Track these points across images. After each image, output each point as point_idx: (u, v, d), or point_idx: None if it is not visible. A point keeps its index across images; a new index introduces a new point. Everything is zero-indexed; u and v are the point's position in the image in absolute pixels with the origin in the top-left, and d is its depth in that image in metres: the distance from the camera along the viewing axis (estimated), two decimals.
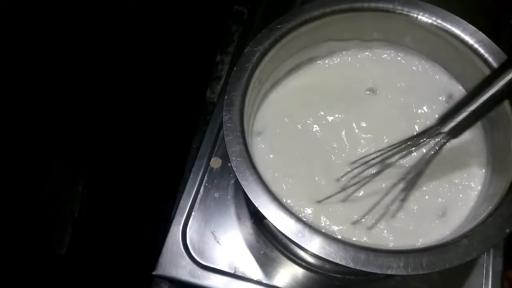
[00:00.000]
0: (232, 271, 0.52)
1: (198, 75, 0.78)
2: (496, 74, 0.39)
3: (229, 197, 0.56)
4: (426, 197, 0.46)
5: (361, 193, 0.46)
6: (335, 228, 0.44)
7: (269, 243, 0.54)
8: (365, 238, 0.44)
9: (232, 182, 0.57)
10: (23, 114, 0.46)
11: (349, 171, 0.45)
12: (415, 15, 0.48)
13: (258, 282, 0.52)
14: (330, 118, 0.50)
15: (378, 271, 0.36)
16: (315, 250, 0.37)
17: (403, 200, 0.45)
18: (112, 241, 0.59)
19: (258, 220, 0.55)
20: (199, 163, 0.58)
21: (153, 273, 0.53)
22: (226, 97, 0.44)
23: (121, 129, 0.60)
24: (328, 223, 0.44)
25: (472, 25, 0.46)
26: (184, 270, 0.52)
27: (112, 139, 0.58)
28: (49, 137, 0.49)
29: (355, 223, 0.44)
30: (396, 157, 0.44)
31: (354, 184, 0.44)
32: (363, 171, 0.44)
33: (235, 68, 0.45)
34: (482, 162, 0.47)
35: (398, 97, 0.51)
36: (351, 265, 0.36)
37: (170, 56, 0.69)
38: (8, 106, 0.44)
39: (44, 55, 0.47)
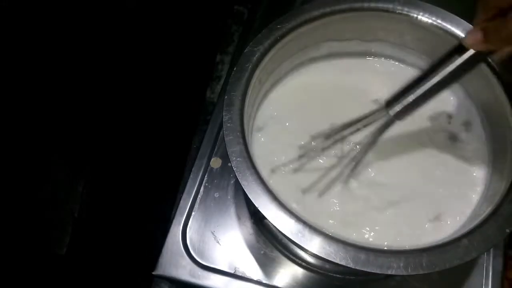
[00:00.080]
0: (232, 271, 0.52)
1: (198, 75, 0.78)
2: (442, 61, 0.39)
3: (229, 197, 0.56)
4: (421, 200, 0.46)
5: (313, 164, 0.48)
6: (288, 195, 0.46)
7: (269, 243, 0.54)
8: (315, 206, 0.46)
9: (232, 182, 0.57)
10: (23, 114, 0.46)
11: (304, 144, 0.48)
12: (415, 15, 0.48)
13: (258, 282, 0.52)
14: (331, 115, 0.51)
15: (378, 271, 0.36)
16: (315, 250, 0.37)
17: (349, 175, 0.47)
18: (112, 241, 0.59)
19: (258, 220, 0.55)
20: (199, 163, 0.58)
21: (153, 273, 0.53)
22: (226, 97, 0.44)
23: (121, 129, 0.60)
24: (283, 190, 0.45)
25: (472, 25, 0.46)
26: (184, 270, 0.52)
27: (112, 139, 0.58)
28: (49, 137, 0.49)
29: (304, 191, 0.47)
30: (346, 133, 0.46)
31: (308, 156, 0.48)
32: (318, 144, 0.48)
33: (235, 68, 0.45)
34: (482, 164, 0.48)
35: None
36: (351, 265, 0.36)
37: (170, 56, 0.69)
38: (8, 106, 0.44)
39: (44, 55, 0.47)
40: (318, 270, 0.52)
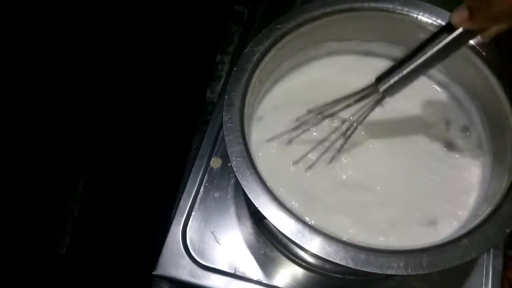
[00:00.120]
0: (232, 271, 0.52)
1: (198, 75, 0.78)
2: (431, 39, 0.40)
3: (229, 197, 0.56)
4: (413, 205, 0.46)
5: (304, 137, 0.49)
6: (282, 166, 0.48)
7: (269, 243, 0.54)
8: (308, 174, 0.48)
9: (232, 182, 0.57)
10: (23, 114, 0.46)
11: (301, 117, 0.49)
12: (415, 15, 0.48)
13: (258, 282, 0.52)
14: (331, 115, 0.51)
15: (378, 271, 0.36)
16: (315, 250, 0.37)
17: (339, 149, 0.48)
18: (112, 241, 0.59)
19: (258, 220, 0.55)
20: (199, 163, 0.58)
21: (153, 273, 0.53)
22: (226, 97, 0.44)
23: (121, 129, 0.60)
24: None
25: None
26: (184, 270, 0.52)
27: (112, 139, 0.58)
28: (49, 137, 0.49)
29: (296, 162, 0.48)
30: (337, 108, 0.47)
31: (301, 128, 0.49)
32: (310, 119, 0.49)
33: (235, 68, 0.45)
34: (478, 169, 0.48)
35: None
36: (351, 265, 0.36)
37: (170, 56, 0.69)
38: (8, 106, 0.44)
39: (44, 55, 0.47)
40: (318, 270, 0.52)
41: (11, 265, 0.46)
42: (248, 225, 0.55)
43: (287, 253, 0.53)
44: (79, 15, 0.50)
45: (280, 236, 0.53)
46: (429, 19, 0.48)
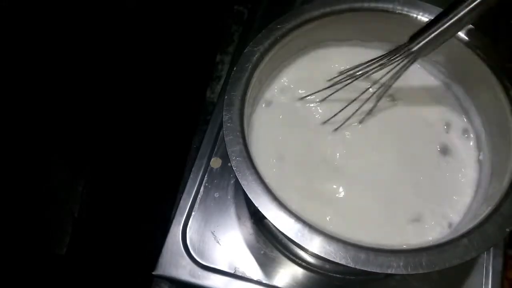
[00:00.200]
0: (232, 271, 0.52)
1: (198, 75, 0.78)
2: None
3: (229, 197, 0.57)
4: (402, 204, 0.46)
5: (336, 98, 0.49)
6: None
7: (269, 243, 0.54)
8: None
9: (232, 182, 0.57)
10: (23, 114, 0.46)
11: (335, 77, 0.49)
12: (415, 15, 0.48)
13: (258, 282, 0.52)
14: (331, 115, 0.51)
15: (378, 270, 0.36)
16: (315, 250, 0.37)
17: (371, 110, 0.49)
18: (112, 241, 0.59)
19: (258, 220, 0.55)
20: (199, 163, 0.58)
21: (153, 273, 0.53)
22: (226, 97, 0.44)
23: (121, 129, 0.60)
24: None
25: (472, 25, 0.46)
26: (184, 270, 0.52)
27: (112, 139, 0.58)
28: (49, 137, 0.49)
29: (324, 123, 0.49)
30: (370, 70, 0.47)
31: (333, 88, 0.49)
32: (344, 80, 0.49)
33: (235, 68, 0.45)
34: (472, 173, 0.48)
35: (398, 95, 0.52)
36: (351, 264, 0.36)
37: (170, 56, 0.69)
38: (8, 106, 0.44)
39: (44, 55, 0.47)
40: (318, 270, 0.52)
41: (11, 265, 0.46)
42: (248, 225, 0.55)
43: (287, 253, 0.53)
44: (79, 15, 0.50)
45: (280, 236, 0.53)
46: (429, 19, 0.48)
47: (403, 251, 0.37)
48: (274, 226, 0.38)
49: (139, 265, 0.58)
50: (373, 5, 0.49)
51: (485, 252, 0.52)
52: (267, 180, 0.41)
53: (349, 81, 0.48)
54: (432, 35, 0.42)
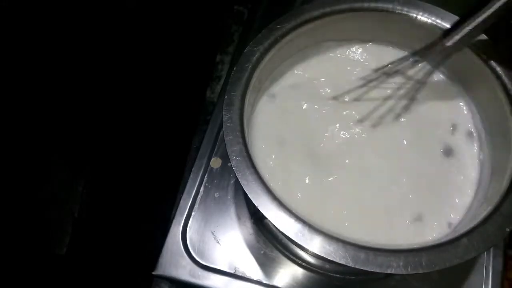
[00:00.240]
0: (232, 271, 0.52)
1: (198, 75, 0.78)
2: None
3: (229, 197, 0.57)
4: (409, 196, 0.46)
5: (368, 96, 0.50)
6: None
7: (269, 243, 0.54)
8: (363, 135, 0.49)
9: (232, 182, 0.57)
10: (23, 114, 0.46)
11: (368, 75, 0.49)
12: (415, 15, 0.48)
13: (258, 282, 0.52)
14: (331, 116, 0.51)
15: (377, 270, 0.36)
16: (315, 250, 0.37)
17: (405, 107, 0.49)
18: (112, 241, 0.60)
19: (258, 220, 0.55)
20: (199, 163, 0.58)
21: (153, 273, 0.53)
22: (226, 97, 0.44)
23: (121, 129, 0.60)
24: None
25: None
26: (184, 270, 0.52)
27: (112, 139, 0.58)
28: (49, 137, 0.49)
29: (359, 121, 0.49)
30: (403, 67, 0.47)
31: (367, 87, 0.49)
32: (376, 78, 0.49)
33: (235, 68, 0.45)
34: (473, 175, 0.48)
35: (398, 95, 0.52)
36: (350, 264, 0.36)
37: (170, 56, 0.69)
38: (8, 106, 0.44)
39: (45, 55, 0.47)
40: (318, 270, 0.52)
41: (11, 265, 0.46)
42: (248, 225, 0.55)
43: (287, 253, 0.53)
44: (79, 15, 0.50)
45: (280, 236, 0.53)
46: (429, 19, 0.48)
47: (403, 251, 0.37)
48: (274, 226, 0.38)
49: (139, 265, 0.58)
50: (373, 5, 0.49)
51: (485, 252, 0.52)
52: (266, 173, 0.41)
53: (380, 79, 0.49)
54: (465, 30, 0.42)
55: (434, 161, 0.48)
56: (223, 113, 0.43)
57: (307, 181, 0.47)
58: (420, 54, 0.45)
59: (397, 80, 0.50)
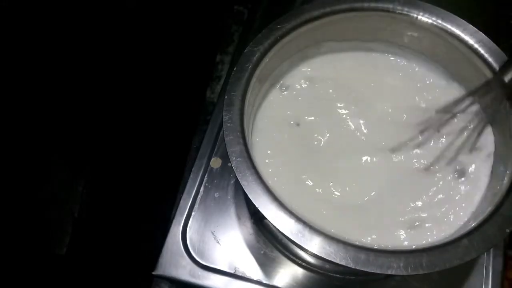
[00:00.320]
0: (232, 271, 0.52)
1: (198, 75, 0.78)
2: None
3: (229, 197, 0.56)
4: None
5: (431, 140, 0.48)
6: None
7: (269, 243, 0.54)
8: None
9: (232, 182, 0.57)
10: (23, 114, 0.46)
11: (424, 120, 0.47)
12: (415, 15, 0.48)
13: (258, 282, 0.52)
14: (331, 117, 0.51)
15: (378, 271, 0.36)
16: (315, 250, 0.37)
17: (471, 149, 0.46)
18: (112, 241, 0.59)
19: (258, 220, 0.55)
20: (199, 163, 0.58)
21: (153, 273, 0.53)
22: (226, 97, 0.44)
23: (121, 129, 0.60)
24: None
25: (472, 25, 0.46)
26: (184, 270, 0.52)
27: (112, 139, 0.58)
28: (49, 137, 0.49)
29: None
30: (461, 108, 0.45)
31: (428, 131, 0.47)
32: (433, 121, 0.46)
33: (235, 68, 0.45)
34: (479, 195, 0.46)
35: (399, 96, 0.52)
36: (351, 265, 0.36)
37: (170, 56, 0.69)
38: (8, 106, 0.44)
39: (44, 55, 0.47)
40: (318, 270, 0.52)
41: (11, 265, 0.46)
42: (248, 225, 0.55)
43: (287, 253, 0.53)
44: (79, 15, 0.50)
45: (280, 236, 0.53)
46: (429, 19, 0.48)
47: (403, 251, 0.37)
48: (274, 226, 0.38)
49: (139, 265, 0.58)
50: (373, 5, 0.49)
51: (485, 253, 0.52)
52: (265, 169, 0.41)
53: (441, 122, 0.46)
54: None
55: (446, 176, 0.47)
56: (223, 113, 0.43)
57: (308, 182, 0.47)
58: (480, 92, 0.43)
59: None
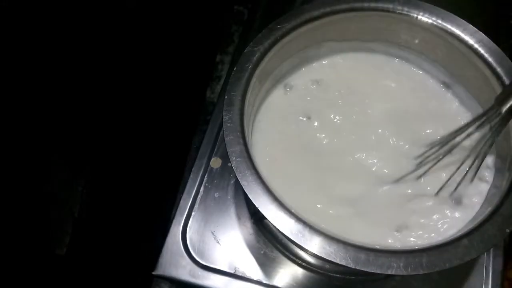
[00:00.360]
0: (232, 271, 0.52)
1: (198, 75, 0.78)
2: None
3: (229, 197, 0.56)
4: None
5: (431, 171, 0.46)
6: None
7: (269, 243, 0.54)
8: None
9: (232, 182, 0.57)
10: (23, 114, 0.46)
11: (425, 152, 0.46)
12: (415, 15, 0.48)
13: (258, 282, 0.52)
14: (331, 117, 0.51)
15: (378, 271, 0.36)
16: (315, 250, 0.37)
17: (472, 179, 0.45)
18: (112, 241, 0.59)
19: (258, 220, 0.55)
20: (199, 163, 0.58)
21: (153, 273, 0.53)
22: (226, 97, 0.44)
23: (121, 129, 0.60)
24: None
25: (472, 25, 0.46)
26: (184, 270, 0.52)
27: (112, 139, 0.58)
28: (49, 137, 0.49)
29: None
30: (458, 140, 0.44)
31: (425, 164, 0.46)
32: (431, 154, 0.46)
33: (235, 68, 0.45)
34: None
35: (399, 97, 0.52)
36: (351, 265, 0.36)
37: (170, 56, 0.69)
38: (8, 106, 0.44)
39: (44, 55, 0.47)
40: (318, 270, 0.52)
41: (11, 265, 0.46)
42: (248, 225, 0.55)
43: (287, 253, 0.53)
44: (79, 15, 0.50)
45: (280, 236, 0.53)
46: (429, 19, 0.48)
47: (403, 251, 0.37)
48: (274, 226, 0.38)
49: (139, 265, 0.58)
50: (373, 5, 0.49)
51: (485, 253, 0.52)
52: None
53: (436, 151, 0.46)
54: None
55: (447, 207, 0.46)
56: (223, 113, 0.43)
57: (308, 182, 0.47)
58: (477, 122, 0.42)
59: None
